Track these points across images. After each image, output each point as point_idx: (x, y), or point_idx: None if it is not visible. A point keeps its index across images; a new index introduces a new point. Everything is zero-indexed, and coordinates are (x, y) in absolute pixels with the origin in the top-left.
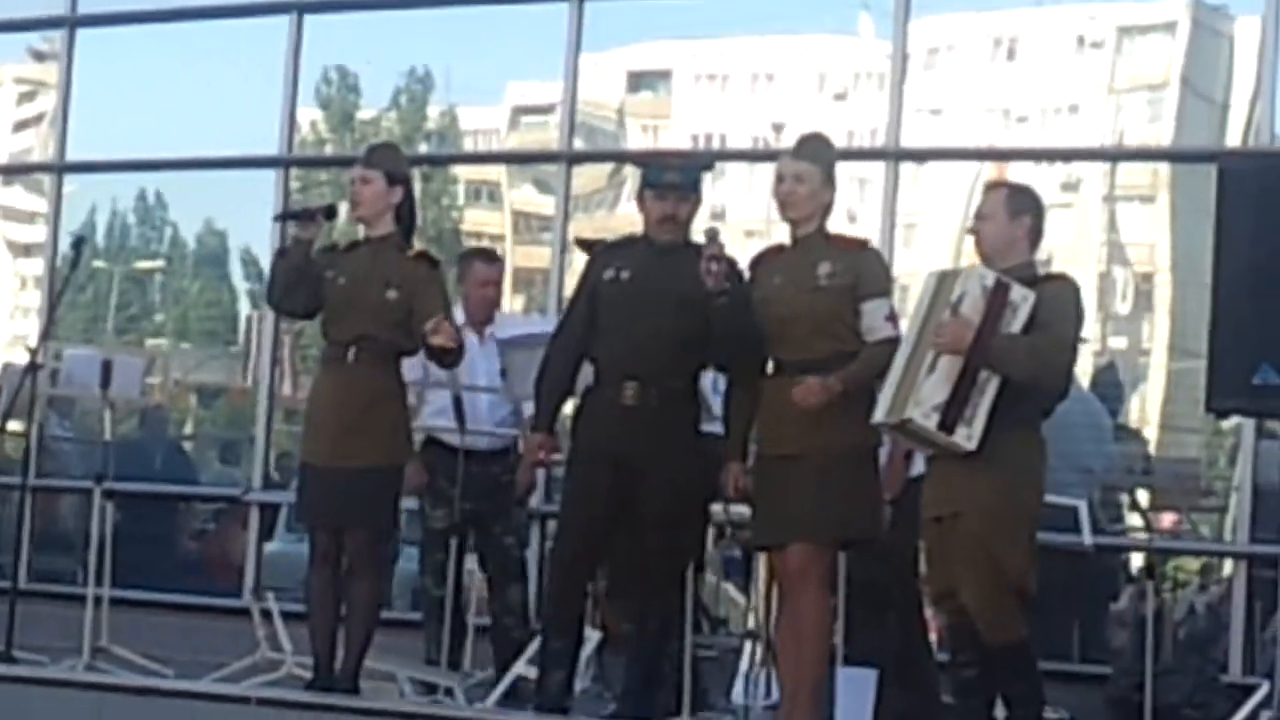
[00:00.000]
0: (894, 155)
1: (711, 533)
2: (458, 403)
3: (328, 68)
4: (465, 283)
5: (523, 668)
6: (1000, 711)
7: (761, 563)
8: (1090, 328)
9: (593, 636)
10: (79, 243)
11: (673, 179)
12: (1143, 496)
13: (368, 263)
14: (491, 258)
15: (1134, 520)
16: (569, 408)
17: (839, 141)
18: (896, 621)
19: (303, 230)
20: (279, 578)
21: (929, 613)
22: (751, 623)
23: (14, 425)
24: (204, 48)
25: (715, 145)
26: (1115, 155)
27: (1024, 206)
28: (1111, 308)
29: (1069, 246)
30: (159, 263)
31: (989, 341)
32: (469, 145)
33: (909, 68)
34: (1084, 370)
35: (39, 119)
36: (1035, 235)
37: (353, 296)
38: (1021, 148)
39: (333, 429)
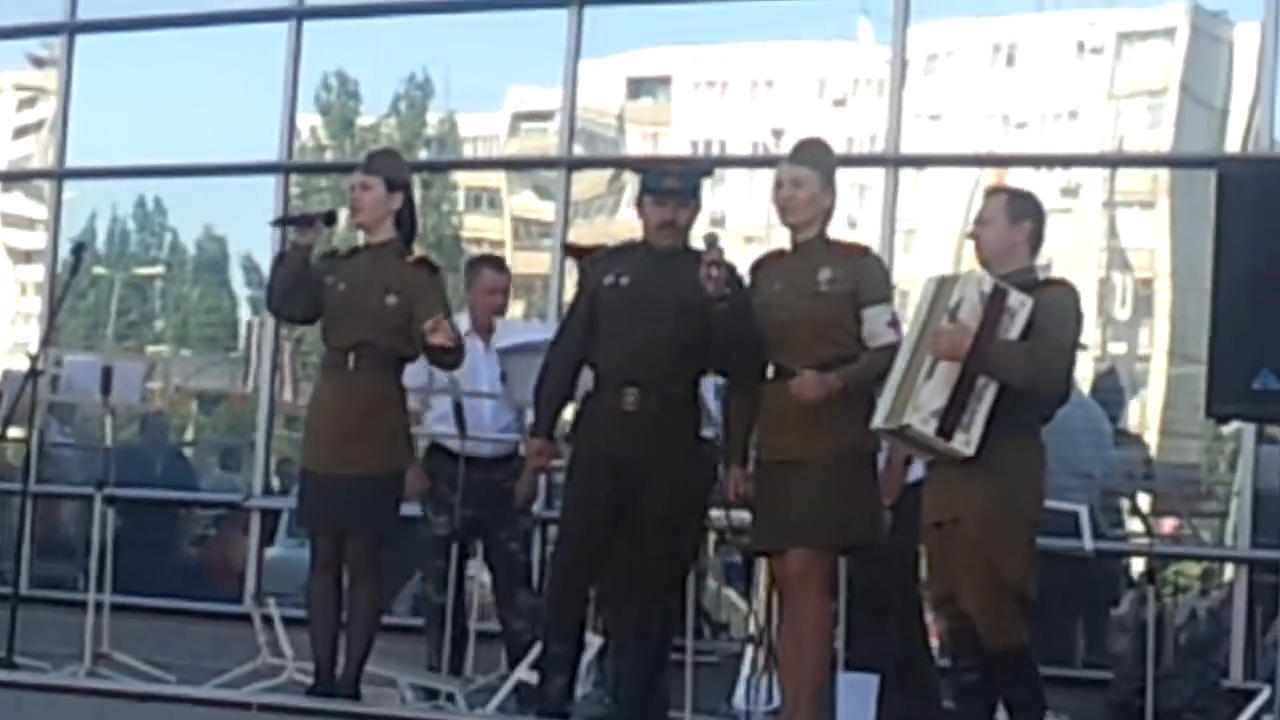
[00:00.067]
0: (893, 161)
1: (712, 538)
2: (458, 408)
3: (327, 74)
4: (472, 289)
5: (524, 673)
6: (1002, 716)
7: (762, 568)
8: (1090, 333)
9: (594, 642)
10: (79, 249)
11: (672, 185)
12: (1143, 501)
13: (368, 269)
14: (500, 265)
15: (1135, 525)
16: (569, 413)
17: (839, 147)
18: (897, 627)
19: (301, 236)
20: (280, 583)
21: (930, 618)
22: (753, 628)
23: (15, 431)
24: (204, 54)
25: (715, 151)
26: (1115, 161)
27: (1024, 211)
28: (1111, 313)
29: (1069, 252)
30: (159, 269)
31: (987, 348)
32: (469, 151)
33: (908, 73)
34: (1084, 375)
35: (39, 125)
36: (1035, 240)
37: (353, 302)
38: (1021, 153)
39: (333, 435)
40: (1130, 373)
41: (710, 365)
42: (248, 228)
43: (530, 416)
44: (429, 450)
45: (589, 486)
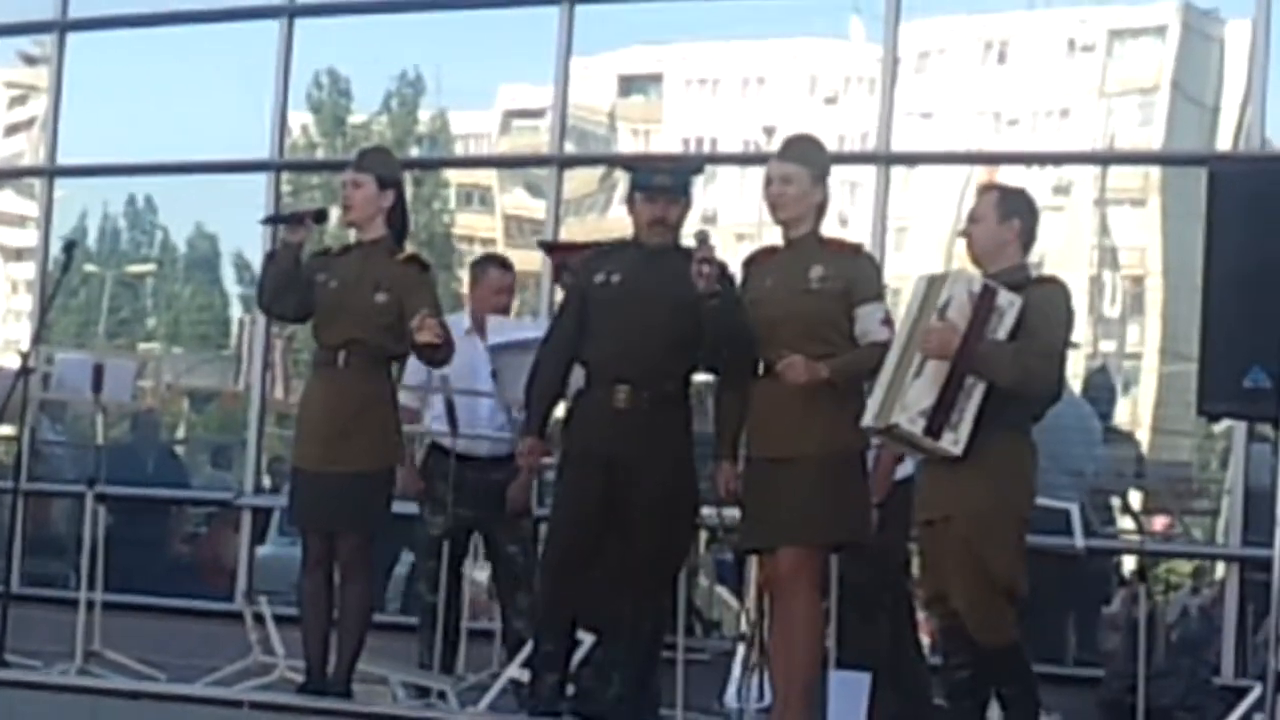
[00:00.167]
0: (885, 159)
1: (704, 535)
2: (450, 407)
3: (319, 71)
4: (478, 288)
5: (515, 671)
6: (995, 714)
7: (753, 566)
8: (1081, 331)
9: (585, 640)
10: (70, 247)
11: (662, 182)
12: (1135, 499)
13: (358, 266)
14: (506, 265)
15: (1126, 523)
16: (560, 411)
17: (830, 145)
18: (887, 625)
19: (291, 234)
20: (271, 581)
21: (922, 615)
22: (744, 626)
23: (6, 429)
24: (195, 52)
25: (706, 149)
26: (1106, 159)
27: (1015, 209)
28: (1102, 311)
29: (1060, 250)
30: (150, 267)
31: (975, 347)
32: (460, 149)
33: (900, 71)
34: (1076, 373)
35: (30, 123)
36: (1027, 238)
37: (343, 300)
38: (1012, 151)
39: (324, 433)
40: (1121, 370)
41: (701, 362)
42: (239, 225)
43: (521, 414)
44: (428, 450)
45: (580, 484)
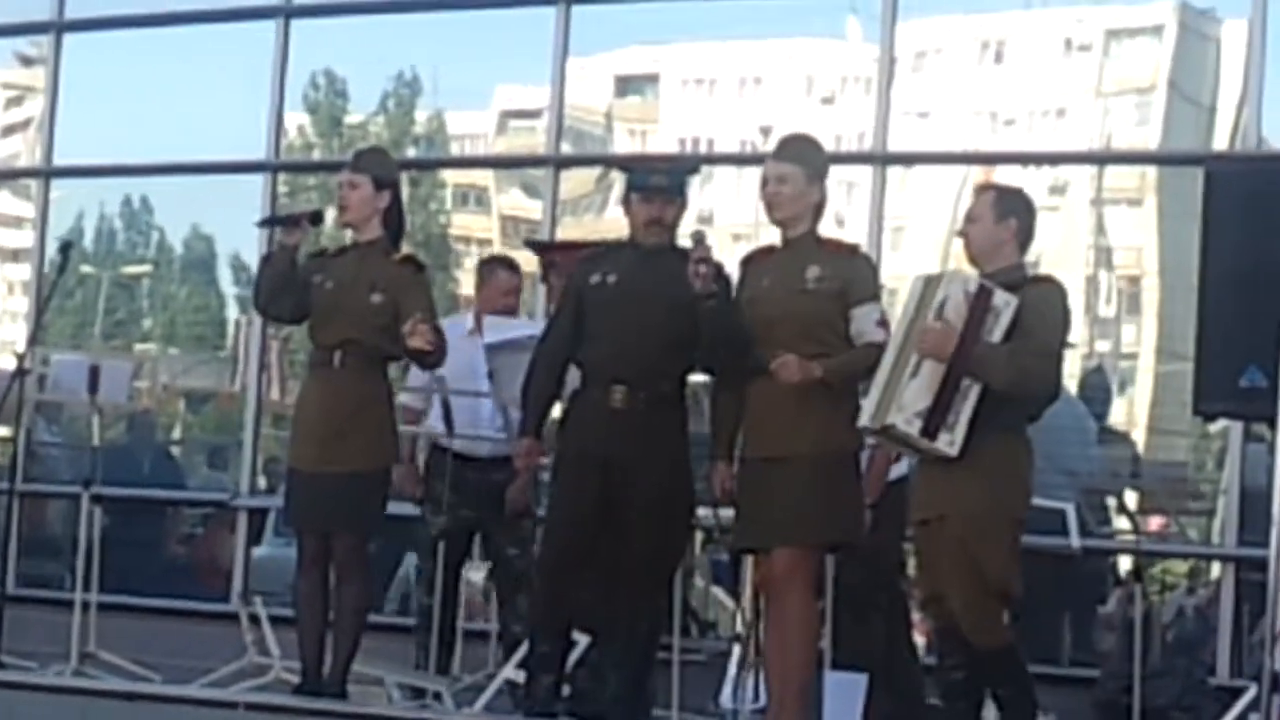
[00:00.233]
0: (881, 159)
1: (699, 536)
2: (446, 407)
3: (315, 72)
4: (486, 289)
5: (511, 672)
6: (991, 714)
7: (748, 566)
8: (1078, 331)
9: (581, 640)
10: (66, 248)
11: (659, 182)
12: (1131, 499)
13: (354, 267)
14: (514, 267)
15: (1122, 523)
16: (556, 412)
17: (826, 145)
18: (882, 625)
19: (287, 236)
20: (267, 582)
21: (917, 616)
22: (739, 626)
23: (2, 430)
24: (191, 52)
25: (703, 149)
26: (1102, 158)
27: (1011, 208)
28: (1099, 310)
29: (1056, 250)
30: (146, 268)
31: (971, 349)
32: (457, 150)
33: (896, 71)
34: (1071, 373)
35: (26, 124)
36: (1024, 237)
37: (339, 301)
38: (1009, 151)
39: (319, 434)
40: (1117, 370)
41: (697, 363)
42: (235, 226)
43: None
44: (430, 451)
45: (576, 484)
